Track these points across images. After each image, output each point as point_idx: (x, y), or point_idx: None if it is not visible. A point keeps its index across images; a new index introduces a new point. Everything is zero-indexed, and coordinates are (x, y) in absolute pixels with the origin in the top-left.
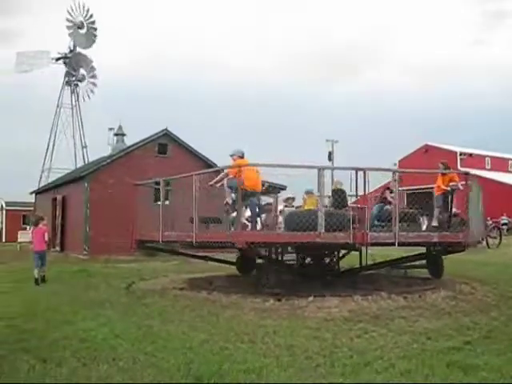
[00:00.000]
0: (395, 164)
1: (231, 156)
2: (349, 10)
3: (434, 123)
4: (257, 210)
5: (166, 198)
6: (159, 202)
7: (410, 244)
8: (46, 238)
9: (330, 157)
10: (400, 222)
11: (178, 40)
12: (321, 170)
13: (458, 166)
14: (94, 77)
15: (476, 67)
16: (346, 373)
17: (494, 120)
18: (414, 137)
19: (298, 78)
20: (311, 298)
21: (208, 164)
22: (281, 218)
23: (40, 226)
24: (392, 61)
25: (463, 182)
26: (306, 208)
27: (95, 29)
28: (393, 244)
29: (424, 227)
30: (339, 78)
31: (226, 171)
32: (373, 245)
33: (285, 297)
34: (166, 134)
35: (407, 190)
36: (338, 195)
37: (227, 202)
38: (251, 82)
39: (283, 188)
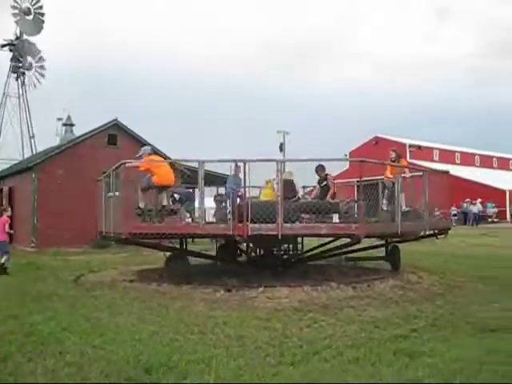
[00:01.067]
0: (346, 155)
1: (141, 156)
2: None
3: (400, 119)
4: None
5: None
6: (111, 194)
7: (295, 236)
8: (7, 229)
9: (282, 148)
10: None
11: (130, 28)
12: (201, 163)
13: (408, 158)
14: (41, 64)
15: (427, 64)
16: (295, 362)
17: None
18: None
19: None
20: (261, 289)
21: (159, 155)
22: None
23: (4, 216)
24: (357, 56)
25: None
26: (261, 199)
27: (43, 15)
28: (276, 236)
29: (335, 219)
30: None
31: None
32: (254, 237)
33: (235, 287)
34: (116, 125)
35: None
36: (287, 186)
37: (139, 207)
38: (209, 72)
39: None
